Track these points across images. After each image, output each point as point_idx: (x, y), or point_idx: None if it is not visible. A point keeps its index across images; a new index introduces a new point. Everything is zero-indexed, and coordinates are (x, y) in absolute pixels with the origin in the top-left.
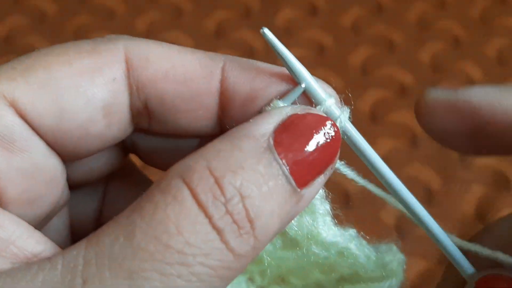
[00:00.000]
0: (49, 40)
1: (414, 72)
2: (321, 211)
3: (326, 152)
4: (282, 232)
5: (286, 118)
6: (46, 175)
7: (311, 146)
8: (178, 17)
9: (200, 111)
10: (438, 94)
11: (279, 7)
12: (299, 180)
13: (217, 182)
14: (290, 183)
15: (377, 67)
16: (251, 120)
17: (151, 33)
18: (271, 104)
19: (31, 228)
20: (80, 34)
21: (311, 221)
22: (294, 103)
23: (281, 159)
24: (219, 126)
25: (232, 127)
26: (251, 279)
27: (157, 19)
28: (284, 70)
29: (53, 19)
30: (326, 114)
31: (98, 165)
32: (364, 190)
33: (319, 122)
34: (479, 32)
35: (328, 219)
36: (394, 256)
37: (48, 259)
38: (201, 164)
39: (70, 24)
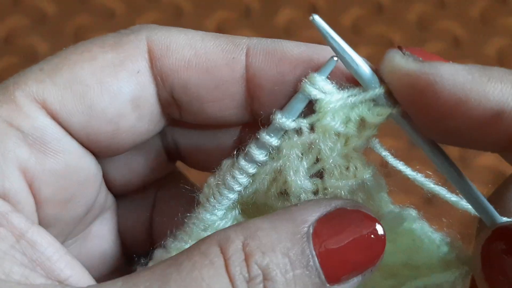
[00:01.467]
0: (49, 40)
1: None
2: (377, 188)
3: (367, 254)
4: None
5: (333, 210)
6: (80, 175)
7: (351, 244)
8: (179, 17)
9: (226, 100)
10: (403, 61)
11: (279, 7)
12: (330, 275)
13: (246, 259)
14: (318, 276)
15: (377, 68)
16: (298, 204)
17: None
18: (307, 78)
19: (63, 250)
20: (80, 34)
21: (366, 198)
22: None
23: (315, 249)
24: (251, 114)
25: (264, 113)
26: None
27: (157, 19)
28: (308, 47)
29: (53, 19)
30: (376, 101)
31: (143, 171)
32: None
33: (367, 222)
34: (479, 32)
35: (385, 196)
36: (460, 253)
37: None
38: (238, 238)
39: (70, 24)
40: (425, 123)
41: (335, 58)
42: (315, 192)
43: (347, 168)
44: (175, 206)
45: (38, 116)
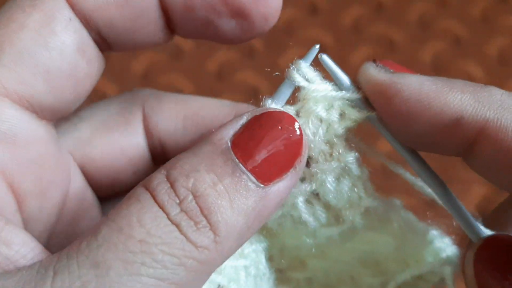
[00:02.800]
0: None
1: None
2: (358, 174)
3: (288, 147)
4: (324, 204)
5: (246, 121)
6: (51, 159)
7: (268, 142)
8: None
9: (150, 26)
10: (375, 72)
11: None
12: (261, 176)
13: (172, 186)
14: (250, 180)
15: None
16: (213, 129)
17: None
18: (293, 64)
19: (40, 248)
20: None
21: (351, 185)
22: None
23: (237, 158)
24: (171, 34)
25: (180, 32)
26: (271, 258)
27: None
28: None
29: None
30: (355, 104)
31: (128, 172)
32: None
33: (277, 117)
34: (480, 32)
35: (368, 184)
36: (446, 246)
37: (29, 265)
38: (160, 173)
39: None
40: (395, 127)
41: (317, 46)
42: (302, 180)
43: (331, 154)
44: None
45: (3, 109)
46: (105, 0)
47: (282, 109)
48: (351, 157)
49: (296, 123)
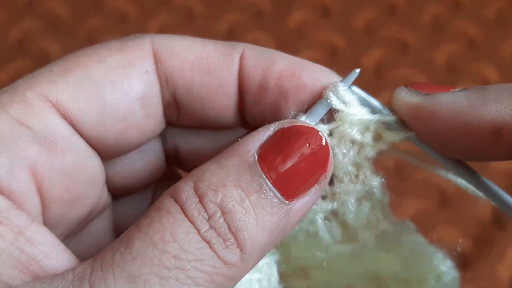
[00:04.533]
0: (62, 43)
1: (429, 74)
2: (380, 199)
3: (315, 164)
4: (342, 222)
5: (273, 133)
6: (86, 175)
7: (296, 159)
8: (190, 20)
9: (226, 101)
10: (407, 96)
11: (291, 9)
12: (286, 193)
13: (201, 201)
14: (275, 196)
15: (390, 69)
16: (240, 139)
17: None
18: (331, 86)
19: (62, 248)
20: (93, 37)
21: (371, 208)
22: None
23: (264, 173)
24: (239, 117)
25: (249, 117)
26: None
27: (169, 22)
28: (295, 61)
29: (66, 22)
30: (391, 126)
31: (142, 173)
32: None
33: (305, 133)
34: (495, 33)
35: (387, 208)
36: (448, 269)
37: (60, 274)
38: (188, 185)
39: (82, 27)
40: (436, 145)
41: (357, 70)
42: (323, 197)
43: (357, 176)
44: None
45: (49, 115)
46: (190, 64)
47: (315, 126)
48: (376, 182)
49: (323, 139)
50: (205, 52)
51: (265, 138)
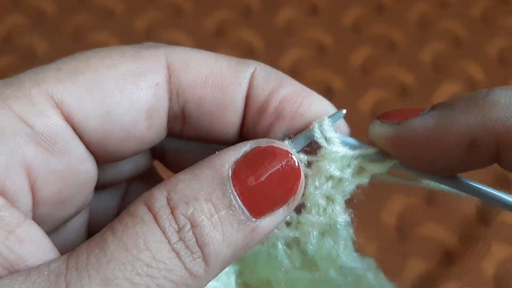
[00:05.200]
0: (48, 39)
1: (415, 72)
2: (343, 235)
3: (285, 185)
4: (302, 251)
5: (249, 150)
6: (79, 178)
7: (267, 178)
8: (178, 17)
9: (233, 118)
10: (381, 128)
11: (279, 7)
12: (254, 210)
13: (172, 212)
14: (243, 213)
15: (377, 67)
16: (217, 152)
17: (151, 33)
18: (318, 120)
19: (49, 246)
20: (80, 33)
21: (332, 243)
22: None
23: (235, 189)
24: (239, 135)
25: (246, 135)
26: (241, 273)
27: (156, 19)
28: (300, 88)
29: (52, 18)
30: (374, 157)
31: (127, 168)
32: (364, 190)
33: (279, 154)
34: (480, 32)
35: (350, 244)
36: None
37: (36, 267)
38: (162, 194)
39: (69, 23)
40: (420, 166)
41: (344, 111)
42: (288, 224)
43: (325, 210)
44: None
45: (52, 116)
46: (203, 79)
47: (292, 151)
48: (342, 219)
49: (296, 162)
50: (218, 68)
51: (240, 154)
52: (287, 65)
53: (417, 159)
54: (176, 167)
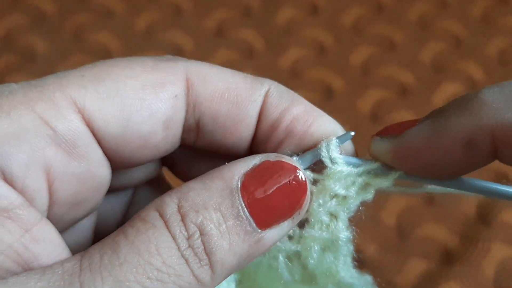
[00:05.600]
0: (48, 39)
1: (415, 72)
2: (344, 252)
3: (291, 199)
4: (302, 265)
5: (259, 163)
6: (95, 182)
7: (275, 191)
8: (178, 16)
9: (245, 133)
10: (382, 144)
11: (279, 6)
12: (260, 222)
13: (183, 219)
14: (249, 224)
15: (377, 67)
16: (227, 163)
17: (151, 33)
18: (326, 140)
19: (62, 246)
20: (80, 33)
21: (332, 259)
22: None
23: (244, 200)
24: (249, 148)
25: (254, 151)
26: (241, 281)
27: (156, 18)
28: (310, 108)
29: (52, 18)
30: (378, 171)
31: (138, 174)
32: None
33: (288, 170)
34: (481, 32)
35: (349, 260)
36: None
37: (50, 266)
38: (173, 201)
39: (69, 23)
40: (424, 173)
41: (352, 133)
42: (290, 238)
43: (328, 226)
44: None
45: (74, 120)
46: (220, 94)
47: (300, 167)
48: (344, 236)
49: (303, 178)
50: (234, 84)
51: (250, 167)
52: (287, 65)
53: (420, 167)
54: (184, 174)
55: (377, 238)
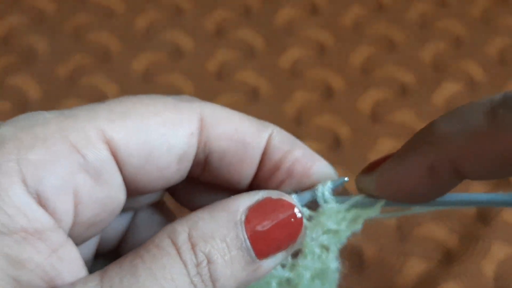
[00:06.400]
0: (48, 39)
1: (415, 72)
2: (332, 279)
3: (288, 233)
4: None
5: (262, 199)
6: (112, 206)
7: (274, 226)
8: (178, 16)
9: (248, 171)
10: (366, 181)
11: (279, 6)
12: (259, 252)
13: (193, 248)
14: (250, 255)
15: (377, 67)
16: (232, 196)
17: (151, 32)
18: (323, 183)
19: (81, 265)
20: (80, 33)
21: (320, 285)
22: (342, 191)
23: (246, 233)
24: (252, 184)
25: (256, 188)
26: None
27: (156, 18)
28: (310, 155)
29: (52, 18)
30: (365, 203)
31: (145, 199)
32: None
33: (287, 207)
34: (481, 32)
35: (334, 286)
36: None
37: (71, 284)
38: (184, 230)
39: (69, 23)
40: (404, 199)
41: (346, 179)
42: (283, 265)
43: (320, 256)
44: (151, 224)
45: (102, 150)
46: (229, 135)
47: (297, 205)
48: (335, 265)
49: (299, 215)
50: (242, 126)
51: (253, 202)
52: (287, 65)
53: (398, 194)
54: (186, 202)
55: (377, 238)
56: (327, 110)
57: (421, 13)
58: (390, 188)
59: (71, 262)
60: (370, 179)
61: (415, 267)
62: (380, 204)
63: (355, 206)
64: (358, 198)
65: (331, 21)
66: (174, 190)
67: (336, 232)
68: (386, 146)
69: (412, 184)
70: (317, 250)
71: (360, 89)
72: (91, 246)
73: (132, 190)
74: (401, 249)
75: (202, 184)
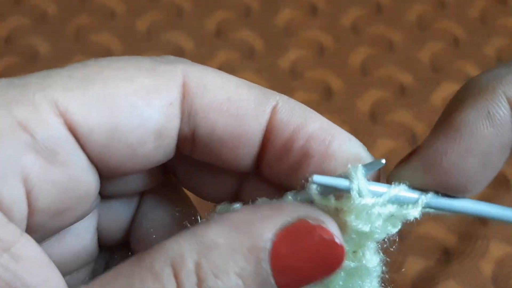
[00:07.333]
0: (50, 40)
1: (414, 72)
2: (373, 275)
3: (323, 268)
4: None
5: (294, 222)
6: (80, 189)
7: (307, 259)
8: (179, 17)
9: (246, 150)
10: (407, 167)
11: (279, 7)
12: (282, 286)
13: (199, 284)
14: None
15: (376, 67)
16: (258, 214)
17: (152, 33)
18: (353, 167)
19: (46, 261)
20: (81, 34)
21: (360, 283)
22: (376, 178)
23: (272, 269)
24: (257, 165)
25: (267, 171)
26: None
27: (157, 19)
28: (327, 125)
29: (53, 19)
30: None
31: (135, 182)
32: None
33: (328, 244)
34: (479, 32)
35: (376, 282)
36: None
37: None
38: (191, 257)
39: (70, 24)
40: (454, 183)
41: (383, 161)
42: None
43: (354, 252)
44: (160, 212)
45: (55, 125)
46: (218, 105)
47: (323, 200)
48: (372, 264)
49: (342, 251)
50: (237, 95)
51: (284, 225)
52: (287, 65)
53: (449, 175)
54: (186, 183)
55: None
56: (326, 110)
57: (420, 14)
58: (443, 166)
59: (29, 260)
60: (415, 165)
61: (414, 265)
62: (424, 198)
63: (392, 201)
64: (401, 187)
65: (330, 22)
66: (174, 173)
67: (366, 234)
68: (385, 146)
69: (475, 144)
70: (351, 247)
71: (359, 90)
72: (86, 237)
73: (105, 171)
74: (400, 247)
75: (199, 163)
